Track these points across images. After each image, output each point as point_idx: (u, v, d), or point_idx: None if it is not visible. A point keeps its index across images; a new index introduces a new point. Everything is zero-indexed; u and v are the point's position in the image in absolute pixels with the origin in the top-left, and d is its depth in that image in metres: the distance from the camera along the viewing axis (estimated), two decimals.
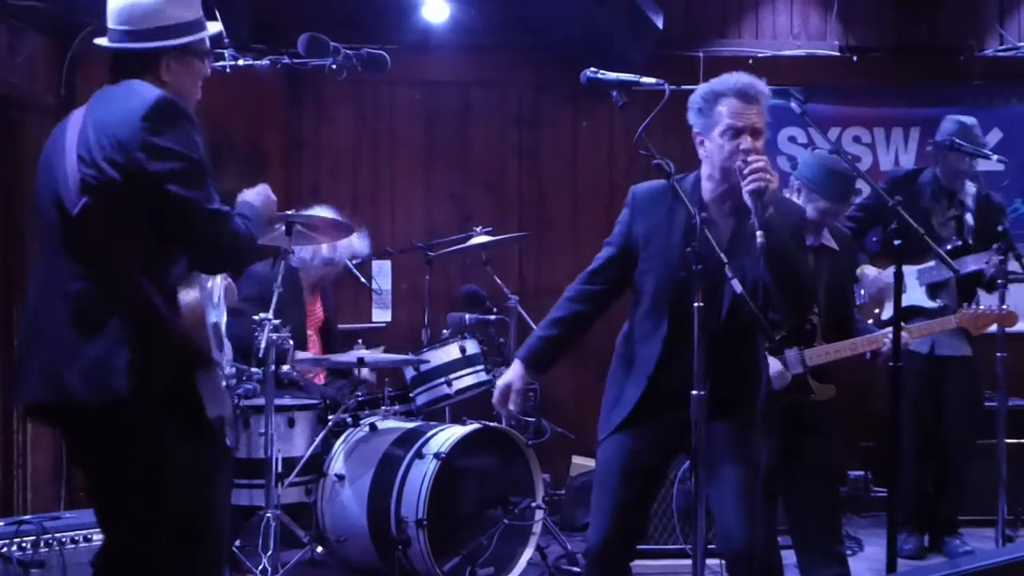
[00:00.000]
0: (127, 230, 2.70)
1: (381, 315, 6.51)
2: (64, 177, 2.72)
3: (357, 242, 5.54)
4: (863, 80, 6.74)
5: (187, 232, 2.74)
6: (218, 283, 3.01)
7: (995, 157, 5.26)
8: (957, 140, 5.11)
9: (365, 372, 5.31)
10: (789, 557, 4.03)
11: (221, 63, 3.44)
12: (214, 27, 2.97)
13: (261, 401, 4.48)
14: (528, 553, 4.78)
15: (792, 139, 6.73)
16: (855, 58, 6.73)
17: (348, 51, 3.55)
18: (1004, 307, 4.45)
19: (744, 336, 3.24)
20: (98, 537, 3.60)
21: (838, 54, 6.76)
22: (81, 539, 4.01)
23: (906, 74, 6.72)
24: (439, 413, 5.35)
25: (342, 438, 4.92)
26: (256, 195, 3.08)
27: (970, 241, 5.11)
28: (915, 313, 5.00)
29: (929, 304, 5.12)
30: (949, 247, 4.96)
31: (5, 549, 3.85)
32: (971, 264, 4.96)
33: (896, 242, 3.60)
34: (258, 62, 3.60)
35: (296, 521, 4.74)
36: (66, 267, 2.73)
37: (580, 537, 4.88)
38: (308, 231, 4.66)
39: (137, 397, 2.65)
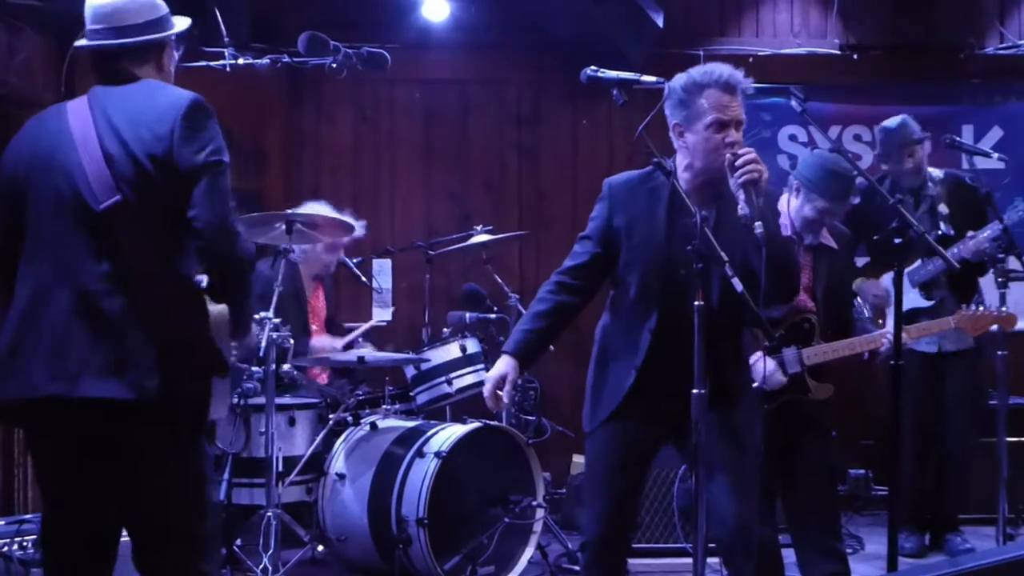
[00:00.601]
0: (162, 228, 2.68)
1: (381, 314, 6.50)
2: (83, 174, 2.67)
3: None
4: (863, 78, 6.73)
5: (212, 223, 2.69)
6: None
7: (994, 154, 5.26)
8: (956, 139, 5.11)
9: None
10: (789, 556, 4.04)
11: (221, 62, 3.45)
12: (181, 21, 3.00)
13: (262, 400, 4.48)
14: (529, 552, 4.77)
15: (793, 137, 6.73)
16: (855, 56, 6.72)
17: (348, 50, 3.55)
18: (1003, 309, 4.44)
19: (732, 327, 3.25)
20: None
21: (838, 52, 6.76)
22: None
23: (906, 72, 6.71)
24: (440, 412, 5.35)
25: (343, 437, 4.91)
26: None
27: (951, 232, 5.11)
28: (915, 315, 4.99)
29: (925, 303, 5.12)
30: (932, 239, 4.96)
31: (6, 548, 3.85)
32: (961, 254, 4.94)
33: (896, 240, 3.60)
34: (258, 61, 3.61)
35: (297, 520, 4.73)
36: (83, 265, 2.66)
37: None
38: (308, 229, 4.67)
39: (167, 397, 2.63)
